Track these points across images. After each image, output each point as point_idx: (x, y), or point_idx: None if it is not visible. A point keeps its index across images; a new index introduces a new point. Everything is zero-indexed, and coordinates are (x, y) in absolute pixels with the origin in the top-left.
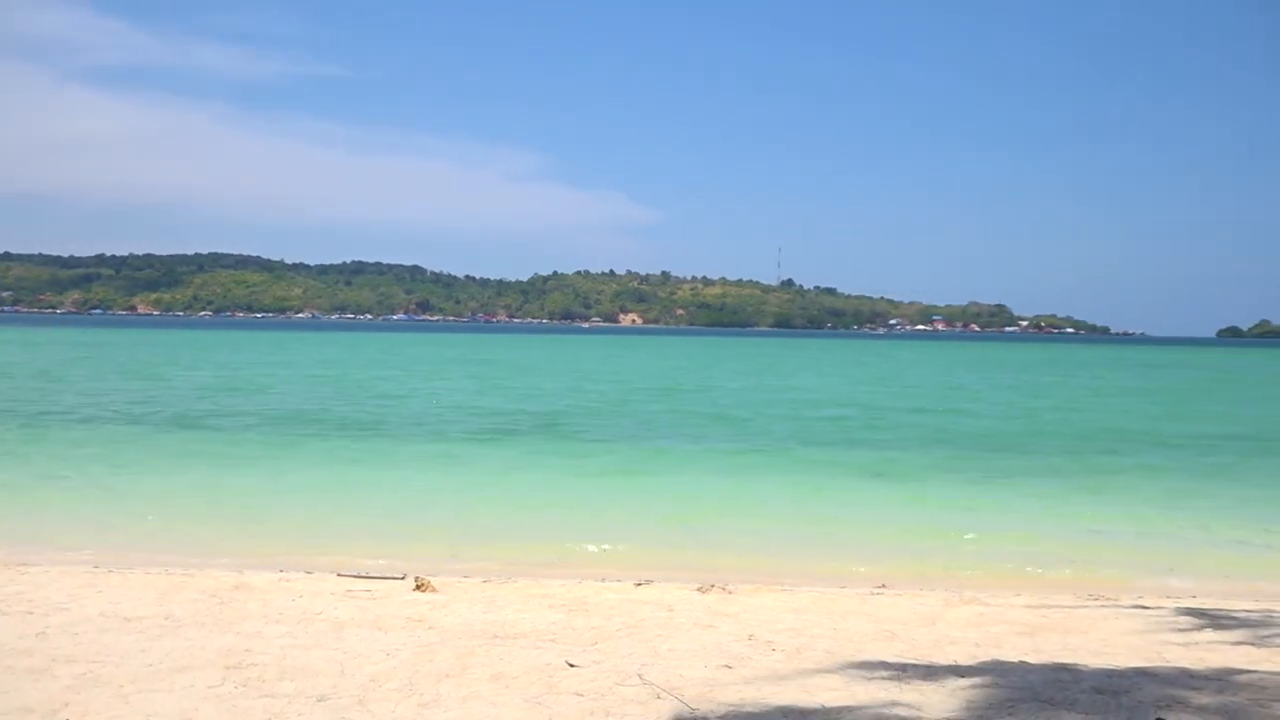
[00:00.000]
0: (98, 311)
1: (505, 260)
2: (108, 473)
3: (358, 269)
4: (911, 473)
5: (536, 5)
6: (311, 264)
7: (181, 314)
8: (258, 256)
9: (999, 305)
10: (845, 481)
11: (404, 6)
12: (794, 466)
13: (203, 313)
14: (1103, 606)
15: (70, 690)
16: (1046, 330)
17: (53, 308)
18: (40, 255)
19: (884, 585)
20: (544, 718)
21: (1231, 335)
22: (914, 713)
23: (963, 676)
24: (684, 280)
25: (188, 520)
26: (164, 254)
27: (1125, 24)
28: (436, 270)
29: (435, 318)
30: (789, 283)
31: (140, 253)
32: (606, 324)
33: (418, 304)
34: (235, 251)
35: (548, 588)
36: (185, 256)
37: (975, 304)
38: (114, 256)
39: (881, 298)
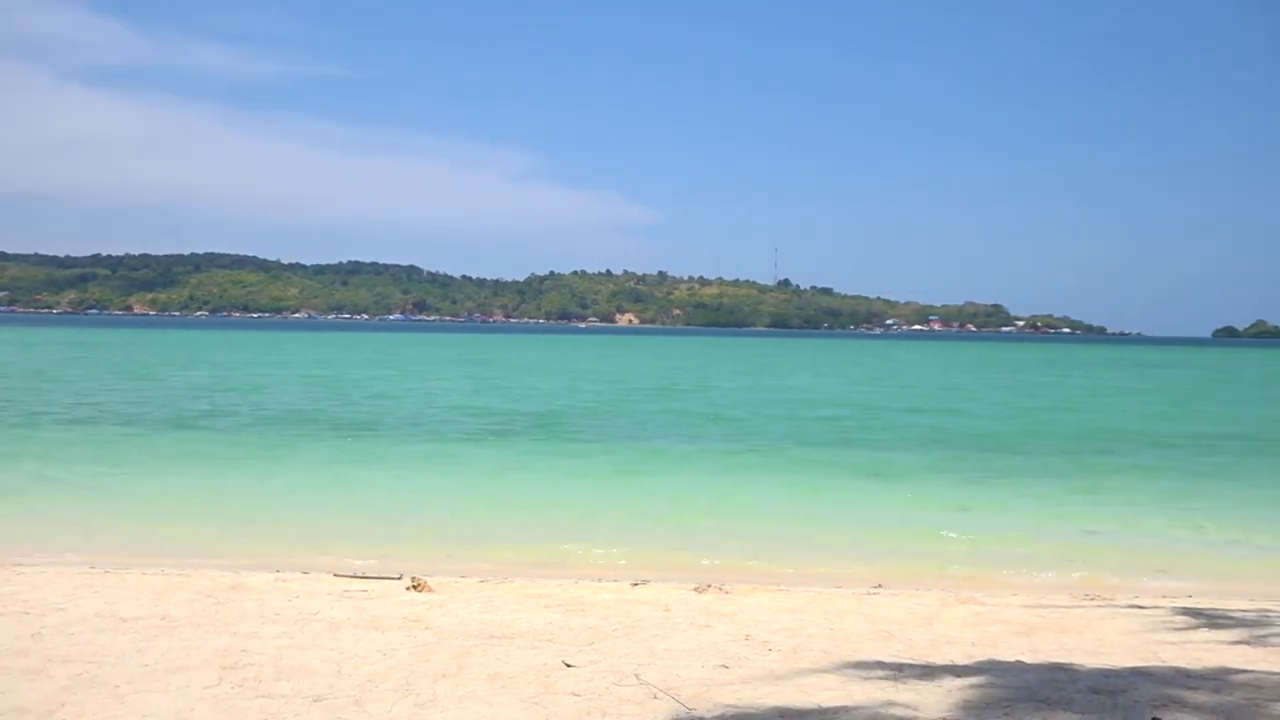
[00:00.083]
0: (94, 311)
1: (502, 260)
2: (103, 473)
3: (354, 269)
4: (908, 473)
5: (533, 5)
6: (308, 264)
7: (178, 314)
8: (254, 256)
9: (995, 305)
10: (841, 481)
11: (402, 7)
12: (790, 466)
13: (199, 313)
14: (1099, 606)
15: (66, 690)
16: (1043, 330)
17: (49, 308)
18: (36, 255)
19: (880, 585)
20: (541, 718)
21: (1227, 335)
22: (910, 713)
23: (959, 676)
24: (680, 280)
25: (184, 520)
26: (160, 254)
27: (1125, 24)
28: (433, 270)
29: (432, 318)
30: (785, 283)
31: (136, 253)
32: (603, 324)
33: (414, 304)
34: (231, 251)
35: (544, 588)
36: (181, 256)
37: (972, 304)
38: (110, 256)
39: (878, 298)
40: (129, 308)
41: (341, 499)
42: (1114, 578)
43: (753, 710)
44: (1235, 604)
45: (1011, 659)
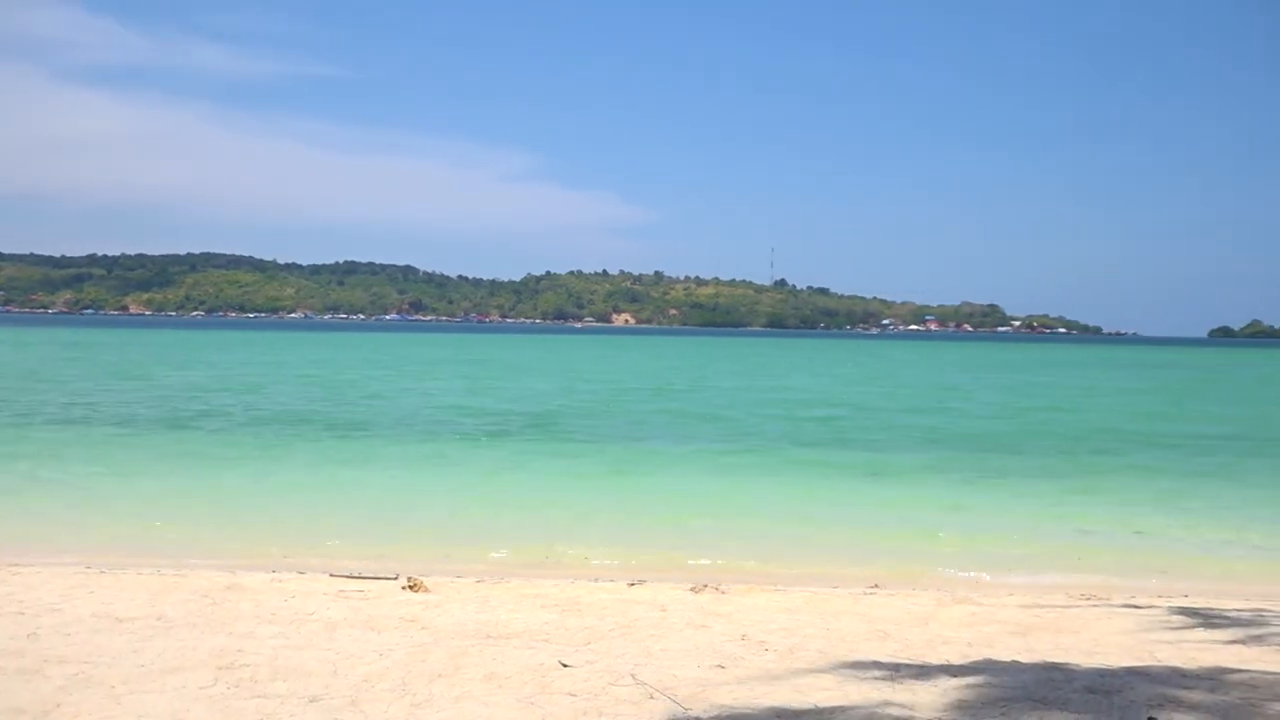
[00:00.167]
0: (90, 311)
1: (498, 260)
2: (99, 473)
3: (350, 269)
4: (904, 473)
5: (529, 5)
6: (304, 264)
7: (174, 314)
8: (250, 256)
9: (991, 305)
10: (838, 482)
11: (399, 7)
12: (786, 467)
13: (195, 313)
14: (1095, 606)
15: (62, 691)
16: (1039, 330)
17: (44, 308)
18: (32, 255)
19: (877, 585)
20: (537, 718)
21: (1223, 335)
22: (907, 712)
23: (955, 676)
24: (677, 280)
25: (180, 521)
26: (156, 254)
27: (1125, 24)
28: (429, 270)
29: (428, 318)
30: (782, 283)
31: (132, 252)
32: (599, 324)
33: (410, 304)
34: (227, 251)
35: (541, 588)
36: (177, 256)
37: (968, 304)
38: (106, 256)
39: (874, 298)
40: (125, 308)
41: (337, 499)
42: (1110, 578)
43: (749, 710)
44: (1231, 604)
45: (1007, 659)
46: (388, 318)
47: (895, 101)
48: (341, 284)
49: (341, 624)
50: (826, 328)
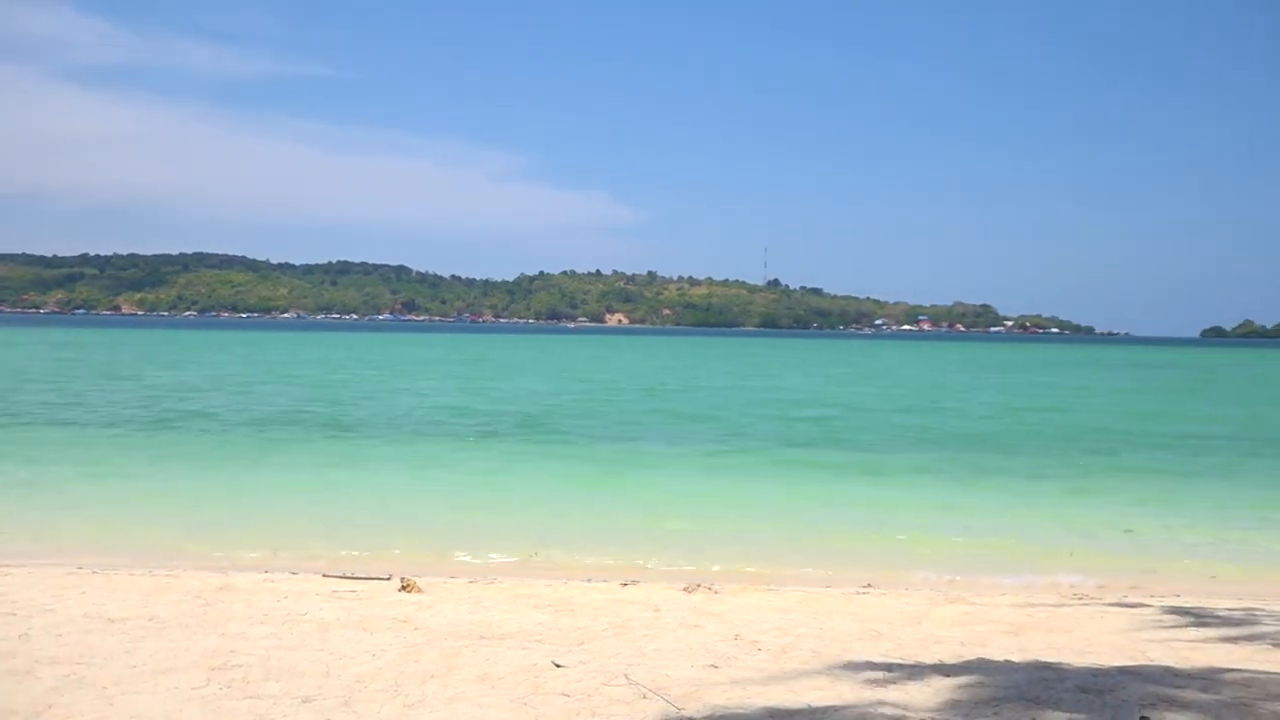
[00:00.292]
0: (81, 311)
1: (491, 260)
2: (90, 474)
3: (343, 269)
4: (897, 473)
5: (521, 6)
6: (297, 264)
7: (166, 314)
8: (242, 256)
9: (984, 305)
10: (830, 481)
11: (391, 7)
12: (779, 467)
13: (187, 313)
14: (1087, 606)
15: (54, 692)
16: (1031, 330)
17: (36, 307)
18: (24, 255)
19: (869, 585)
20: (530, 718)
21: (1215, 335)
22: (899, 712)
23: (948, 675)
24: (670, 280)
25: (172, 521)
26: (149, 253)
27: (1125, 24)
28: (422, 270)
29: (421, 318)
30: (775, 283)
31: (125, 252)
32: (592, 324)
33: (403, 304)
34: (220, 251)
35: (534, 588)
36: (170, 256)
37: (961, 304)
38: (98, 256)
39: (867, 298)
40: (117, 308)
41: (330, 499)
42: (1102, 577)
43: (742, 710)
44: (1223, 603)
45: (1000, 658)
46: (381, 318)
47: (895, 101)
48: (334, 284)
49: (334, 624)
50: (820, 328)
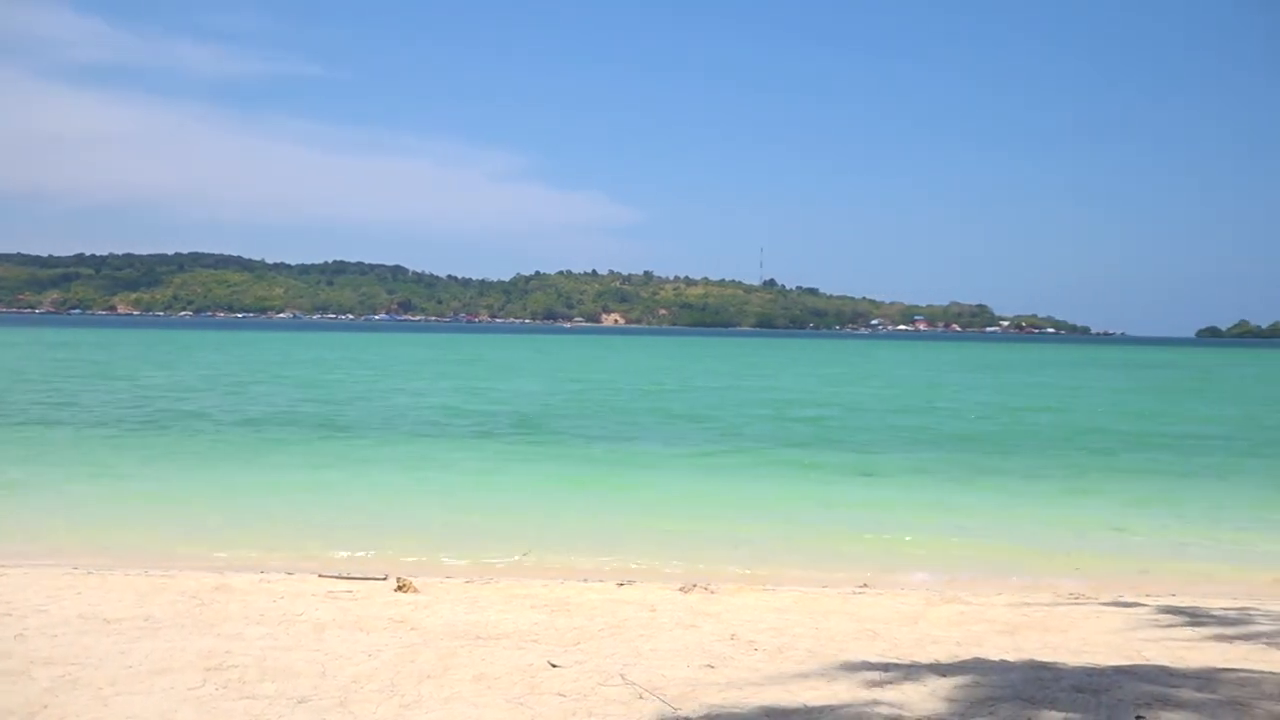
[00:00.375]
0: (77, 311)
1: (487, 260)
2: (85, 474)
3: (339, 269)
4: (893, 473)
5: (518, 6)
6: (293, 264)
7: (162, 314)
8: (238, 256)
9: (980, 305)
10: (827, 481)
11: (387, 7)
12: (775, 467)
13: (183, 313)
14: (1082, 605)
15: (49, 693)
16: (1027, 330)
17: (31, 307)
18: (19, 254)
19: (865, 585)
20: (526, 718)
21: (1211, 335)
22: (896, 711)
23: (944, 675)
24: (666, 280)
25: (167, 521)
26: (144, 253)
27: (1125, 24)
28: (418, 270)
29: (417, 318)
30: (771, 283)
31: (120, 252)
32: (589, 324)
33: (400, 304)
34: (216, 251)
35: (530, 588)
36: (165, 256)
37: (956, 304)
38: (94, 256)
39: (863, 298)
40: (113, 308)
41: (326, 500)
42: (1098, 577)
43: (738, 710)
44: (1218, 603)
45: (996, 658)
46: (376, 318)
47: (894, 101)
48: (330, 284)
49: (330, 625)
50: (815, 328)
